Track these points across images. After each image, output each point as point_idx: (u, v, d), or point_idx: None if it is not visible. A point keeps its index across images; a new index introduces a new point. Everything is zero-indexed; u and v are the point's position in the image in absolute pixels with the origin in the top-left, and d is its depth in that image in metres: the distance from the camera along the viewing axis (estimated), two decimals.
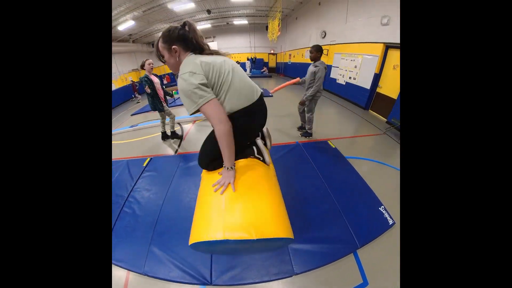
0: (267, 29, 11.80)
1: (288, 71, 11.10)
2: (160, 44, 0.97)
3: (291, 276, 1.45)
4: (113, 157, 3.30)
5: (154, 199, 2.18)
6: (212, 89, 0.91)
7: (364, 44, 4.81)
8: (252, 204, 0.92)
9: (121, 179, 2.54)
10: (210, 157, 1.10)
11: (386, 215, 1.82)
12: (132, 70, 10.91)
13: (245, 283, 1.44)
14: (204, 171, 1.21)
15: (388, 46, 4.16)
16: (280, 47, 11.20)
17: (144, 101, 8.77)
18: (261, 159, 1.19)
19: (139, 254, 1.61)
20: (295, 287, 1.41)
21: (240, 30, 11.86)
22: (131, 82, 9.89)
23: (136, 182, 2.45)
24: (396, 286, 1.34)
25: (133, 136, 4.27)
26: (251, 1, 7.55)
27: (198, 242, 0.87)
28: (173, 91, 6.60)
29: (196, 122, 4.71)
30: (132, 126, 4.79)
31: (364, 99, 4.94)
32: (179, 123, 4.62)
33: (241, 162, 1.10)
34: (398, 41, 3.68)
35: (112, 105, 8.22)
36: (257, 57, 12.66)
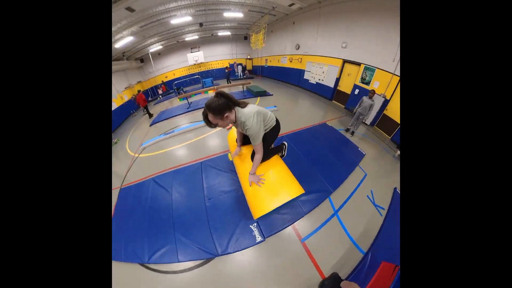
0: (245, 39, 14.25)
1: (265, 72, 13.80)
2: (211, 117, 1.41)
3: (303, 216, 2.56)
4: (181, 162, 4.11)
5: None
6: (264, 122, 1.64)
7: (329, 58, 7.52)
8: (278, 182, 1.89)
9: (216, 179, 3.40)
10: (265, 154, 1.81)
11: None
12: (125, 88, 11.36)
13: (246, 248, 2.31)
14: (236, 159, 2.27)
15: (345, 61, 6.92)
16: (257, 53, 13.67)
17: (153, 108, 9.98)
18: (282, 153, 2.27)
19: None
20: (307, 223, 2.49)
21: (223, 40, 14.07)
22: (136, 94, 10.03)
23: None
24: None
25: (177, 141, 5.17)
26: (241, 16, 9.46)
27: (261, 216, 1.77)
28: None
29: None
30: (166, 134, 5.65)
31: (329, 93, 7.73)
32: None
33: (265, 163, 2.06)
34: (352, 59, 6.41)
35: (120, 121, 9.02)
36: (236, 62, 14.93)
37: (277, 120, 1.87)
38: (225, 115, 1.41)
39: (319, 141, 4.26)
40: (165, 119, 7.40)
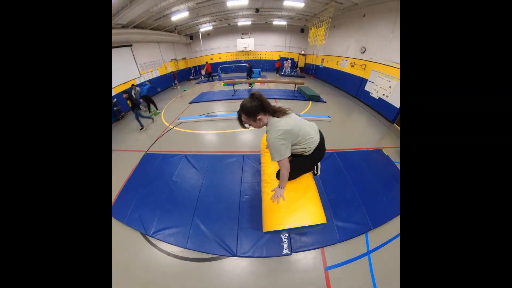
0: (302, 31, 13.22)
1: (319, 74, 12.51)
2: (244, 117, 1.47)
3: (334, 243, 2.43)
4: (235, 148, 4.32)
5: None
6: (293, 143, 1.52)
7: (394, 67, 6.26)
8: (302, 203, 1.70)
9: None
10: (293, 173, 1.72)
11: None
12: (171, 59, 12.36)
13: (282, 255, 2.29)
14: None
15: None
16: (313, 49, 12.56)
17: (192, 87, 10.54)
18: (315, 172, 2.11)
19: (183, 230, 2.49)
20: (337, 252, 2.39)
21: (277, 29, 13.25)
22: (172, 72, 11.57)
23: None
24: None
25: (212, 127, 5.50)
26: (302, 6, 8.74)
27: (270, 231, 1.69)
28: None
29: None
30: (207, 115, 6.01)
31: (393, 114, 6.45)
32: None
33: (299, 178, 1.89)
34: None
35: (162, 88, 9.71)
36: (287, 57, 14.11)
37: (320, 145, 1.67)
38: (258, 117, 1.44)
39: (370, 169, 3.85)
40: (206, 101, 7.67)
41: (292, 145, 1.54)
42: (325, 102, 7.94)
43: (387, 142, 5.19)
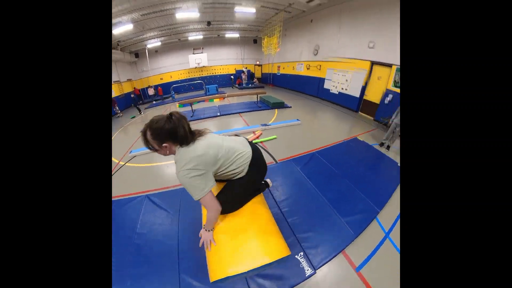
0: (254, 42, 14.02)
1: (277, 81, 13.23)
2: (149, 137, 1.18)
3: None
4: None
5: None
6: (214, 168, 1.26)
7: (354, 60, 6.98)
8: (251, 237, 1.44)
9: None
10: (231, 203, 1.52)
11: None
12: (114, 81, 11.04)
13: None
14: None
15: (373, 63, 6.27)
16: (268, 59, 13.38)
17: (144, 112, 9.90)
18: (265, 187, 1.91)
19: None
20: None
21: (229, 42, 13.73)
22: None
23: None
24: None
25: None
26: (253, 12, 9.08)
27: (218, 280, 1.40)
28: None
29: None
30: None
31: (355, 104, 7.14)
32: None
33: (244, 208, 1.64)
34: (381, 60, 5.87)
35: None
36: (243, 68, 14.66)
37: (255, 157, 1.45)
38: (164, 145, 1.22)
39: (353, 158, 4.04)
40: None
41: (216, 172, 1.31)
42: (290, 107, 8.25)
43: (358, 130, 5.64)
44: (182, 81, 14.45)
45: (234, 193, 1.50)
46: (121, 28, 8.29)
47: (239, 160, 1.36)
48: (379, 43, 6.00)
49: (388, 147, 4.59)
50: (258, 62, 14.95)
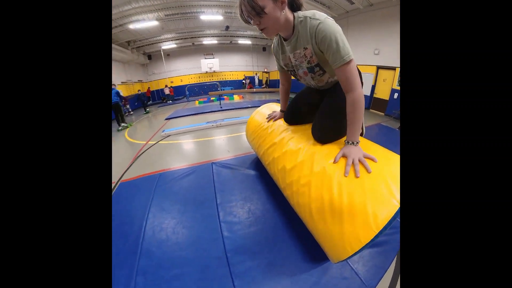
0: (263, 50, 15.29)
1: None
2: None
3: None
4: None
5: None
6: None
7: (362, 65, 8.14)
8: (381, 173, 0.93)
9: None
10: (335, 131, 1.12)
11: None
12: (122, 82, 11.15)
13: None
14: None
15: (379, 67, 7.40)
16: (276, 66, 14.53)
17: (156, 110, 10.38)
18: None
19: None
20: None
21: (240, 49, 14.95)
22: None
23: None
24: None
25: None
26: None
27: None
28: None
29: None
30: (211, 122, 5.94)
31: (366, 102, 8.17)
32: None
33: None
34: (386, 64, 6.93)
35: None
36: (247, 75, 15.82)
37: None
38: None
39: (384, 138, 4.63)
40: (191, 114, 7.90)
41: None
42: None
43: (374, 122, 6.44)
44: (192, 85, 15.20)
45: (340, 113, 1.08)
46: (143, 23, 8.53)
47: None
48: (384, 50, 7.12)
49: None
50: (266, 69, 16.21)
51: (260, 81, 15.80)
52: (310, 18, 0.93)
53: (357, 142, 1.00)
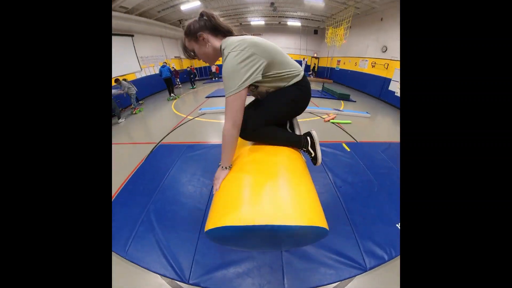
0: (315, 33, 14.05)
1: (334, 76, 13.09)
2: (186, 42, 1.08)
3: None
4: None
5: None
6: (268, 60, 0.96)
7: None
8: (294, 190, 0.89)
9: None
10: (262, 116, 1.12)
11: None
12: (175, 57, 12.77)
13: None
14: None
15: None
16: (327, 52, 13.27)
17: (202, 85, 11.14)
18: (313, 155, 1.21)
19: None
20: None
21: (289, 31, 13.99)
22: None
23: None
24: None
25: None
26: (321, 5, 9.30)
27: (220, 228, 0.76)
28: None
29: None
30: None
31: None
32: None
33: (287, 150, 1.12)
34: None
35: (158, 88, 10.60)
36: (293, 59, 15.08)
37: (305, 79, 1.18)
38: (199, 34, 1.04)
39: None
40: (220, 96, 8.56)
41: (265, 72, 1.02)
42: (355, 101, 8.37)
43: None
44: None
45: (269, 103, 1.15)
46: (188, 5, 8.96)
47: (290, 71, 1.10)
48: None
49: None
50: (315, 55, 14.98)
51: (307, 66, 14.80)
52: (222, 49, 1.02)
53: (226, 167, 1.07)
